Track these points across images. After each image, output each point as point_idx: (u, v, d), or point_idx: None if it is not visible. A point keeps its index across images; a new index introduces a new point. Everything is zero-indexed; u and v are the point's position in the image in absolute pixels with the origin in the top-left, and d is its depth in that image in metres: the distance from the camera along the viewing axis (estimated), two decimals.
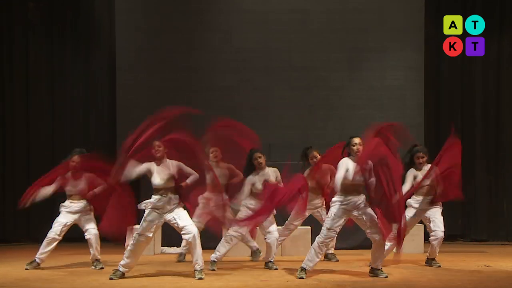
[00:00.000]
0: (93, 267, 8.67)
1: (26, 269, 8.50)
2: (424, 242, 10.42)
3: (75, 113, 12.43)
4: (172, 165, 7.78)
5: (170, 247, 10.45)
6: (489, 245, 11.22)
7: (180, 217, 7.69)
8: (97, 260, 8.75)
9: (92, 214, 8.87)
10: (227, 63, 11.73)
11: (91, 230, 8.71)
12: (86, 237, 8.75)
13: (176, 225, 7.74)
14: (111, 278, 7.61)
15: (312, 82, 11.71)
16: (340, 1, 11.76)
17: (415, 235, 10.29)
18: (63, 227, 8.66)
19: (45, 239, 8.64)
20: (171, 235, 10.15)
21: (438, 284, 7.21)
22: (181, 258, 9.36)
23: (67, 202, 8.74)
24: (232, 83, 11.73)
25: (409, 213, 8.61)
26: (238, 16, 11.78)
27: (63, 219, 8.68)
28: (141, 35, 11.78)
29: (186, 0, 11.93)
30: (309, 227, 10.18)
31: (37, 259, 8.61)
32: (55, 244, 8.65)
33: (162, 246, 10.59)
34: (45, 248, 8.61)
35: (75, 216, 8.72)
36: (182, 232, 7.71)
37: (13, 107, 12.21)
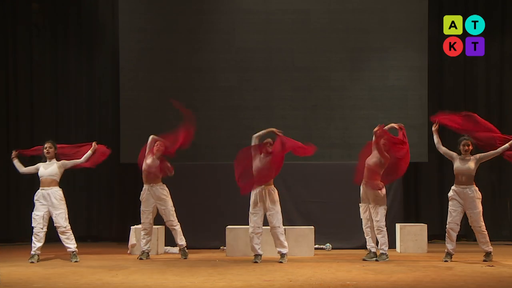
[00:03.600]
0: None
1: (32, 262, 9.09)
2: (428, 242, 10.45)
3: (79, 113, 12.47)
4: None
5: (174, 246, 10.46)
6: (492, 245, 11.17)
7: None
8: (72, 252, 9.30)
9: (64, 204, 9.35)
10: (229, 63, 11.73)
11: (61, 228, 9.25)
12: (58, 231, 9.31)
13: None
14: None
15: (314, 82, 11.71)
16: (342, 1, 11.76)
17: (418, 235, 10.30)
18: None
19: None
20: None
21: (441, 284, 7.20)
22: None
23: (38, 190, 9.36)
24: (234, 83, 11.74)
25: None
26: (239, 17, 11.79)
27: (38, 212, 9.29)
28: (144, 36, 11.80)
29: (188, 1, 11.94)
30: (312, 227, 10.19)
31: (35, 253, 9.23)
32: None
33: (165, 246, 10.60)
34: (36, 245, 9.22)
35: (48, 206, 9.30)
36: None
37: (18, 108, 12.24)
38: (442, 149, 9.36)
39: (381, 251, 9.28)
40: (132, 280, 7.54)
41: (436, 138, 9.38)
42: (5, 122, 12.19)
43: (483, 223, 9.14)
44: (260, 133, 9.38)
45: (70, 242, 9.31)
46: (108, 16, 12.33)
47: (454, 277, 7.61)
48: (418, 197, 12.18)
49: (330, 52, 11.66)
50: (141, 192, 9.74)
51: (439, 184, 11.98)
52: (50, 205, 9.27)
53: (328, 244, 10.78)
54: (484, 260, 9.05)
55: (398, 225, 10.56)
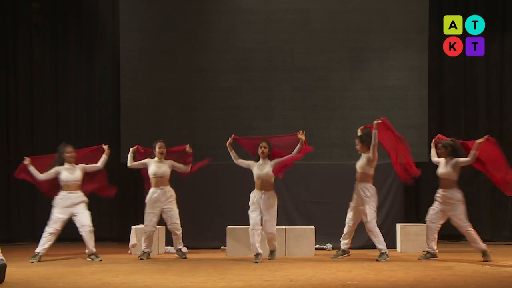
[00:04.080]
0: (89, 259, 9.33)
1: (32, 262, 9.10)
2: None
3: (79, 114, 12.48)
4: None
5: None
6: (493, 245, 11.20)
7: None
8: (94, 253, 9.35)
9: (86, 206, 9.46)
10: (229, 63, 11.74)
11: (86, 227, 9.31)
12: (81, 233, 9.36)
13: None
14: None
15: (314, 82, 11.71)
16: (342, 1, 11.76)
17: (418, 235, 10.29)
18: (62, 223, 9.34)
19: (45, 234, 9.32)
20: None
21: (442, 284, 7.20)
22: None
23: (63, 194, 9.35)
24: (234, 83, 11.74)
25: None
26: (239, 17, 11.79)
27: (61, 215, 9.30)
28: (144, 36, 11.81)
29: (188, 1, 11.95)
30: (312, 226, 10.19)
31: (39, 252, 9.26)
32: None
33: (165, 246, 10.60)
34: (45, 244, 9.26)
35: (71, 209, 9.34)
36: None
37: (18, 108, 12.26)
38: (434, 160, 9.64)
39: (380, 251, 9.29)
40: (132, 280, 7.53)
41: (432, 151, 9.68)
42: (5, 122, 12.20)
43: (467, 223, 9.20)
44: (232, 154, 9.58)
45: (93, 243, 9.43)
46: (108, 16, 12.34)
47: (454, 277, 7.61)
48: (418, 197, 12.18)
49: (330, 52, 11.66)
50: (148, 195, 9.69)
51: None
52: (74, 209, 9.37)
53: (328, 244, 10.78)
54: (485, 260, 9.04)
55: (398, 225, 10.55)
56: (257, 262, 9.04)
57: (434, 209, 9.34)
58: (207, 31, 11.75)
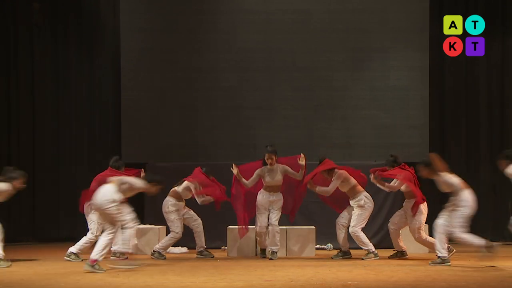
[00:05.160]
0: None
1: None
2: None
3: (80, 114, 12.47)
4: None
5: (175, 247, 10.46)
6: None
7: None
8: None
9: None
10: (229, 64, 11.75)
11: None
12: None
13: None
14: None
15: (315, 83, 11.72)
16: (342, 1, 11.77)
17: None
18: None
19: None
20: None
21: (443, 284, 7.19)
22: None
23: None
24: (234, 83, 11.75)
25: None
26: (240, 17, 11.81)
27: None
28: (144, 36, 11.82)
29: (188, 1, 11.97)
30: (313, 227, 10.18)
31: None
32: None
33: None
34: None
35: None
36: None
37: (19, 109, 12.25)
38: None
39: (367, 251, 9.38)
40: (133, 280, 7.52)
41: (384, 186, 9.60)
42: (6, 122, 12.19)
43: (420, 234, 9.28)
44: (243, 182, 9.52)
45: None
46: (109, 16, 12.35)
47: (455, 277, 7.60)
48: None
49: (331, 52, 11.67)
50: (170, 205, 9.64)
51: None
52: None
53: (329, 244, 10.78)
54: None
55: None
56: (264, 257, 9.29)
57: (399, 213, 9.47)
58: (207, 31, 11.76)
